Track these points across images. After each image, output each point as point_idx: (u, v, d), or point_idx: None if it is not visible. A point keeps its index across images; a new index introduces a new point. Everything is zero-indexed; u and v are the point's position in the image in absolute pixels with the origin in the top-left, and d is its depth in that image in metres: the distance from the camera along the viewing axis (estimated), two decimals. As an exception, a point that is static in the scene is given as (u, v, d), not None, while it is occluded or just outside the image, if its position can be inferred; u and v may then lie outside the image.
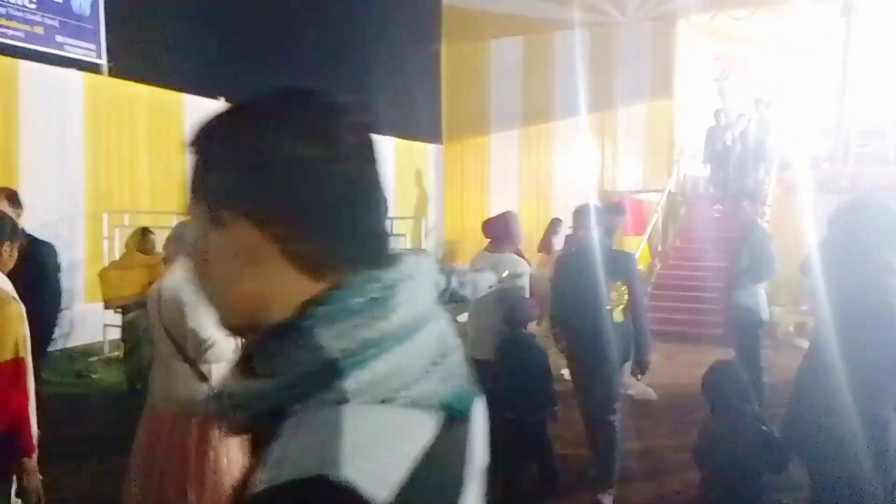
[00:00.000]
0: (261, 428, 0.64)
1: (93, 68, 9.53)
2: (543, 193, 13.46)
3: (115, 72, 9.90)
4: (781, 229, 11.03)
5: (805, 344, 8.18)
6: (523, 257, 4.71)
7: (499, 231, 4.34)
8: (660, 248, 11.10)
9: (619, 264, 3.98)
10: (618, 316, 3.93)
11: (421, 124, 14.79)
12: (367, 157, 0.69)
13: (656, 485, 4.51)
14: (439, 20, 14.44)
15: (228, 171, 0.65)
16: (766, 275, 5.20)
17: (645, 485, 4.52)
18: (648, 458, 4.88)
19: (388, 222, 0.74)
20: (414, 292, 0.67)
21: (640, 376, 4.50)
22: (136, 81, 9.52)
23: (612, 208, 6.61)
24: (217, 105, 0.78)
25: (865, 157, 13.38)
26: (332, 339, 0.61)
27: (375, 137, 0.71)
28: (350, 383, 0.60)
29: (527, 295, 4.26)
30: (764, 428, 2.63)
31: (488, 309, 4.04)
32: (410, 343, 0.64)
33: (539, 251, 7.94)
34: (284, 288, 0.65)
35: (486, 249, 4.39)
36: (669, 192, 12.06)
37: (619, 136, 12.89)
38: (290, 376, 0.62)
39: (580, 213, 4.10)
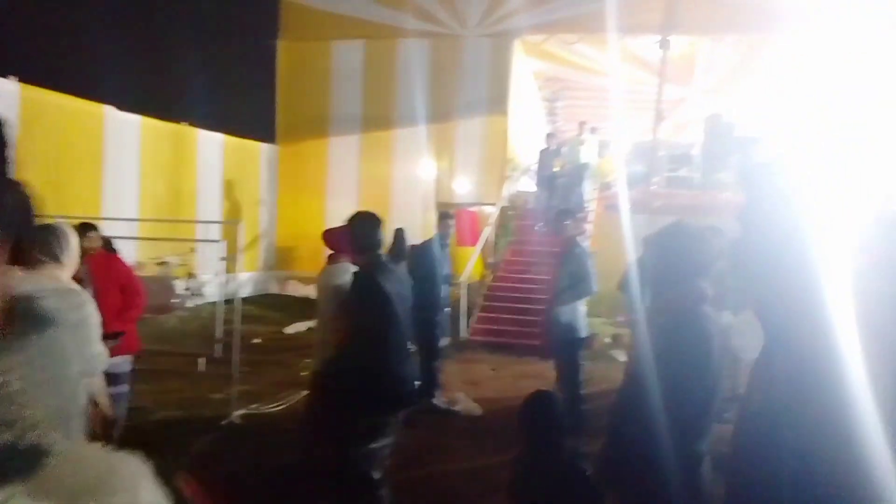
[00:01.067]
0: None
1: None
2: (382, 201, 13.21)
3: None
4: (603, 246, 11.75)
5: (621, 356, 8.72)
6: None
7: (337, 242, 4.11)
8: (491, 261, 11.29)
9: None
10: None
11: (254, 122, 13.98)
12: None
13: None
14: (277, 15, 13.75)
15: None
16: (584, 292, 5.30)
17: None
18: (474, 478, 4.75)
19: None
20: None
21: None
22: None
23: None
24: None
25: (675, 180, 14.66)
26: None
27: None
28: None
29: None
30: (580, 465, 2.52)
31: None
32: None
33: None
34: None
35: (328, 262, 4.17)
36: (502, 206, 12.36)
37: (457, 149, 13.02)
38: None
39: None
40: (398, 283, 3.49)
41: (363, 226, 3.58)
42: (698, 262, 2.29)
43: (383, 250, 3.67)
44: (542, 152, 12.40)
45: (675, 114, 18.39)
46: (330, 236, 4.22)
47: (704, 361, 2.11)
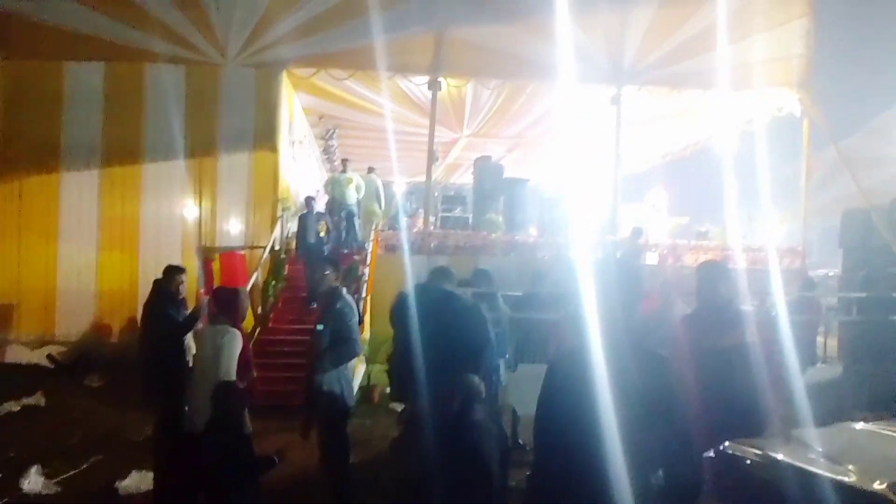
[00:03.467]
0: None
1: None
2: (129, 245, 11.55)
3: None
4: (381, 288, 11.32)
5: (399, 406, 8.23)
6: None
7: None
8: (260, 311, 10.23)
9: None
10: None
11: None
12: None
13: None
14: (-4, 29, 11.53)
15: None
16: (347, 355, 4.63)
17: None
18: None
19: None
20: None
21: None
22: None
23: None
24: None
25: (450, 220, 14.86)
26: None
27: None
28: None
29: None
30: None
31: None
32: None
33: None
34: None
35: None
36: (273, 249, 11.40)
37: (221, 186, 11.81)
38: None
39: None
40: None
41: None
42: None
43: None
44: (303, 217, 11.28)
45: (449, 155, 18.95)
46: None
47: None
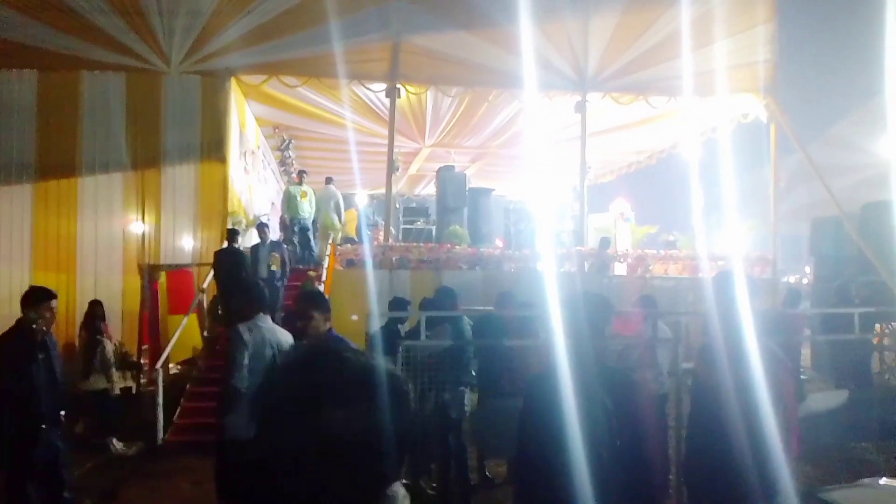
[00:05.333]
0: None
1: None
2: (65, 264, 10.76)
3: None
4: (338, 304, 10.74)
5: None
6: None
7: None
8: (206, 334, 9.54)
9: None
10: None
11: None
12: None
13: None
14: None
15: None
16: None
17: None
18: None
19: None
20: None
21: None
22: None
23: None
24: None
25: (412, 232, 14.34)
26: None
27: None
28: None
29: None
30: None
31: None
32: None
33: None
34: None
35: None
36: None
37: (166, 200, 11.09)
38: None
39: None
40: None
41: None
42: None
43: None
44: (254, 248, 10.10)
45: (411, 166, 18.45)
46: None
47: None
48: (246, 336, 4.07)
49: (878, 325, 7.52)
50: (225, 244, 9.95)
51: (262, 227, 10.20)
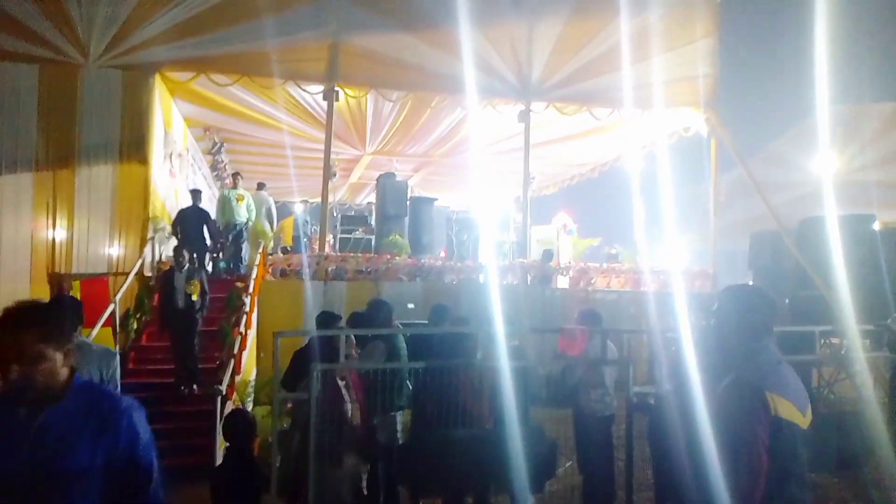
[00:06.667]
0: None
1: None
2: (-36, 271, 9.78)
3: None
4: (266, 316, 10.13)
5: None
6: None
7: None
8: (118, 349, 8.73)
9: None
10: None
11: None
12: None
13: None
14: None
15: None
16: None
17: None
18: None
19: None
20: None
21: None
22: None
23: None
24: None
25: (349, 241, 13.79)
26: None
27: None
28: None
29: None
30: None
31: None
32: None
33: None
34: None
35: None
36: (142, 275, 9.93)
37: (80, 203, 10.23)
38: None
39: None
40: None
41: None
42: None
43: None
44: (167, 275, 8.65)
45: (352, 174, 17.90)
46: None
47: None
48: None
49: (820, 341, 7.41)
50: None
51: (178, 250, 8.61)
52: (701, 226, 14.56)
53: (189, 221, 10.51)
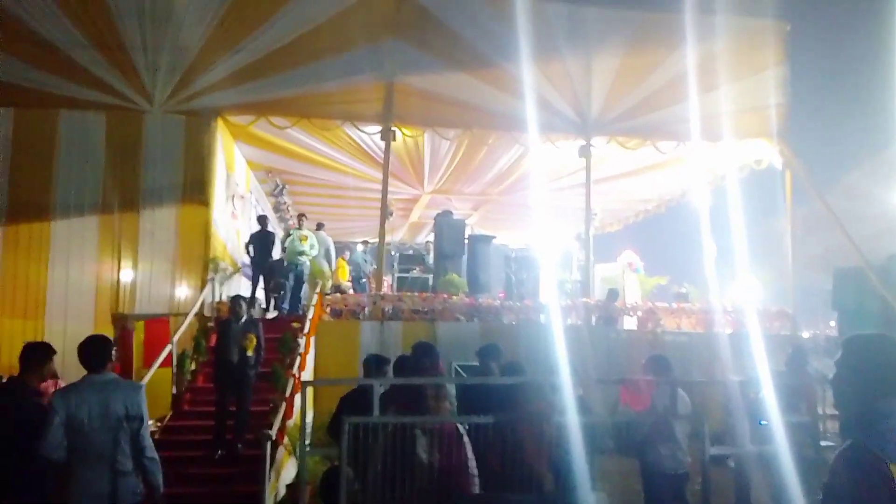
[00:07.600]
0: None
1: None
2: (33, 310, 10.11)
3: None
4: (323, 356, 9.98)
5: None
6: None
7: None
8: (175, 391, 8.72)
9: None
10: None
11: None
12: None
13: None
14: None
15: None
16: None
17: None
18: None
19: None
20: None
21: None
22: None
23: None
24: None
25: (407, 280, 13.63)
26: None
27: None
28: None
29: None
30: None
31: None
32: None
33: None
34: None
35: None
36: (202, 316, 9.98)
37: (143, 245, 10.45)
38: None
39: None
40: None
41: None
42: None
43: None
44: (224, 325, 8.09)
45: (412, 214, 17.87)
46: None
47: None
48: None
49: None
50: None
51: (236, 301, 8.01)
52: (775, 262, 13.73)
53: (258, 242, 11.62)
